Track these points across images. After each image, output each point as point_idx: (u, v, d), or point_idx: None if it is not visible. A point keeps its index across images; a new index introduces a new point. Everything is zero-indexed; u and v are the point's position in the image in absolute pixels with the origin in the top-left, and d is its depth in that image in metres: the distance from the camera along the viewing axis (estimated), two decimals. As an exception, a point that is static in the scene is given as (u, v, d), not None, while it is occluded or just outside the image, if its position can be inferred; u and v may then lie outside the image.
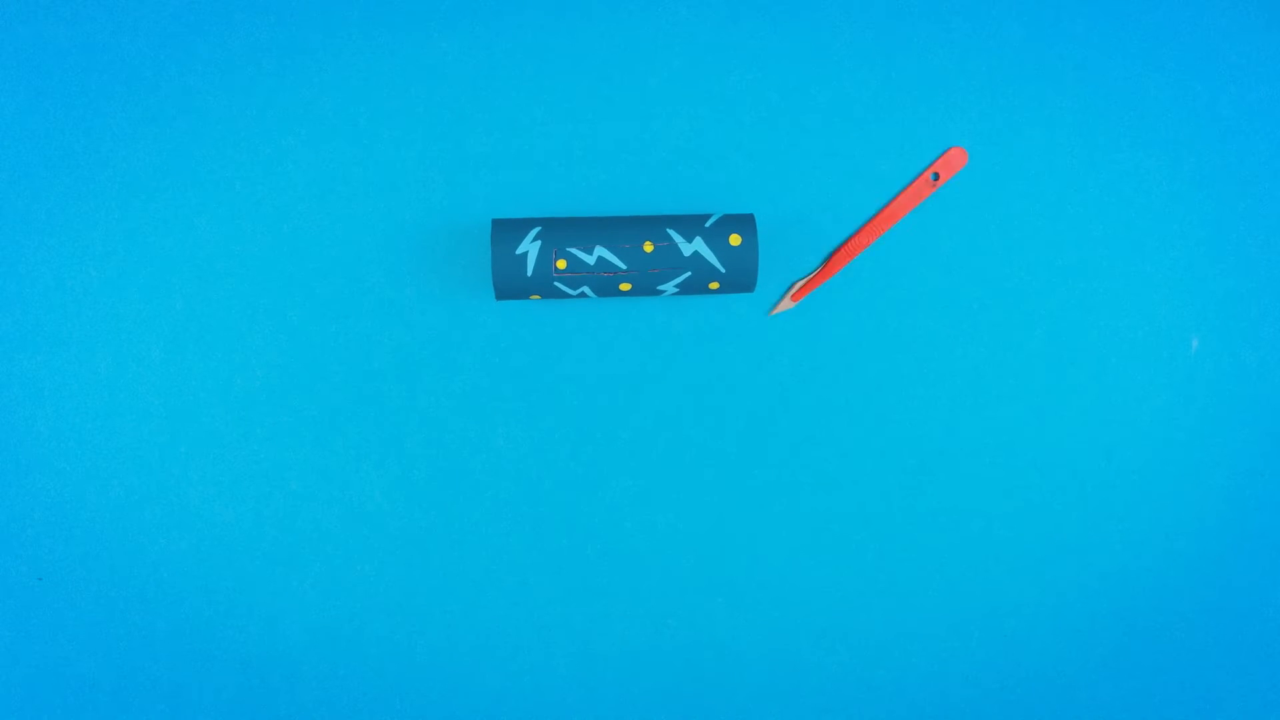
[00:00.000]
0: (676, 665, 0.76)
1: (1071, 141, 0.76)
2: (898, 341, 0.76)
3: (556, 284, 0.68)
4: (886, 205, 0.72)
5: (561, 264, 0.67)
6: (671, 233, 0.68)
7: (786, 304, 0.73)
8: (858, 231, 0.71)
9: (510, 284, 0.68)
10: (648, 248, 0.67)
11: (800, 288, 0.73)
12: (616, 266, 0.67)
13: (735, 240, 0.68)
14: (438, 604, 0.76)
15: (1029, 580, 0.77)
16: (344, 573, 0.75)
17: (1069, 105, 0.76)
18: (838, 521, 0.76)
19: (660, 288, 0.69)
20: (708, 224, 0.69)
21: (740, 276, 0.69)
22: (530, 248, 0.67)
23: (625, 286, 0.69)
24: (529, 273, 0.68)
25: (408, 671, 0.76)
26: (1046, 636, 0.77)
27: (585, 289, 0.69)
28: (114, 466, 0.74)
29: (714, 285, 0.69)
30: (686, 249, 0.68)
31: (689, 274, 0.68)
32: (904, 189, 0.69)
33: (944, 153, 0.69)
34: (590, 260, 0.67)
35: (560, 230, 0.68)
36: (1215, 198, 0.76)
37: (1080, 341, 0.76)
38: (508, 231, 0.68)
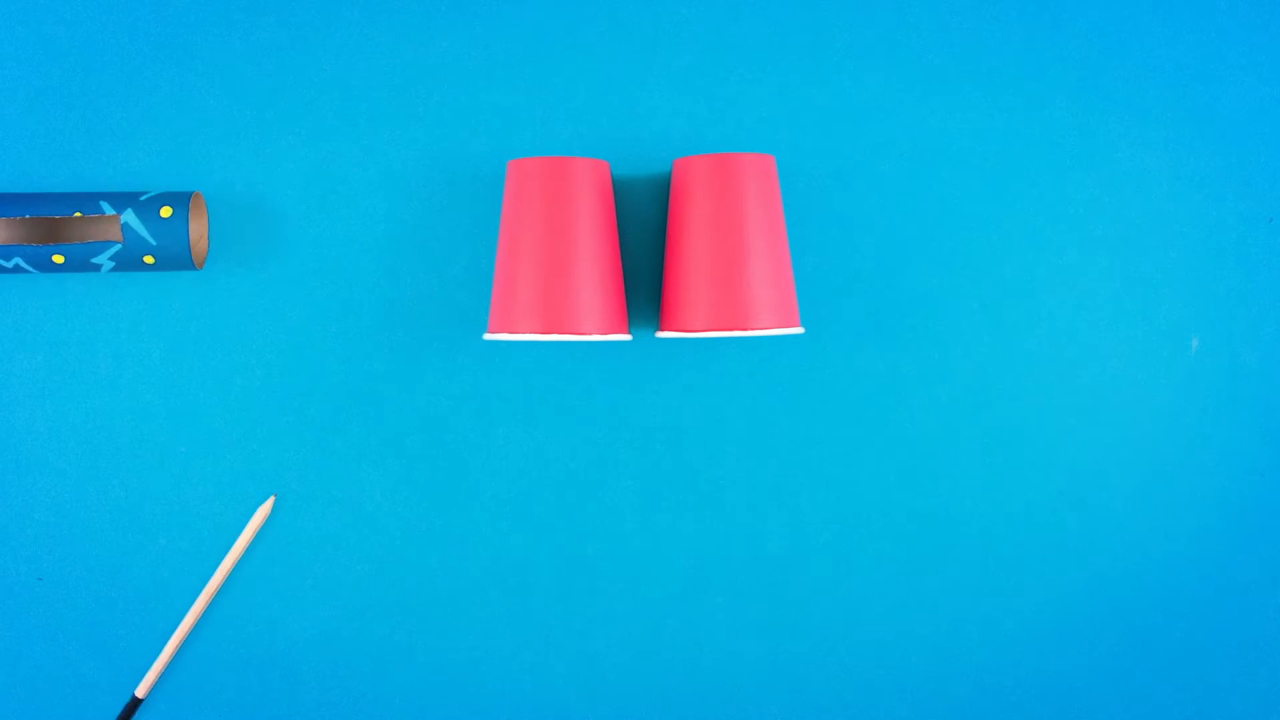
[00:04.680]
0: (677, 665, 0.76)
1: (1071, 141, 0.76)
2: (898, 342, 0.76)
3: None
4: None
5: None
6: (103, 204, 0.67)
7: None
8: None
9: None
10: (77, 217, 0.67)
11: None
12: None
13: (165, 213, 0.67)
14: (438, 604, 0.76)
15: (1029, 580, 0.77)
16: (344, 573, 0.75)
17: (1069, 104, 0.76)
18: (837, 520, 0.76)
19: (95, 260, 0.68)
20: (142, 198, 0.68)
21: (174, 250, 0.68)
22: None
23: (58, 259, 0.68)
24: None
25: (408, 671, 0.76)
26: (1046, 636, 0.77)
27: (19, 259, 0.68)
28: (114, 466, 0.74)
29: (149, 259, 0.68)
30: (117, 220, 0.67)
31: (119, 246, 0.67)
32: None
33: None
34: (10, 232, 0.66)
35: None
36: (1215, 198, 0.76)
37: (1080, 341, 0.76)
38: None
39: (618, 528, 0.76)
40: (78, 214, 0.67)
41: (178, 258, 0.69)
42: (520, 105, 0.74)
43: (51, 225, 0.67)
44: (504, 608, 0.76)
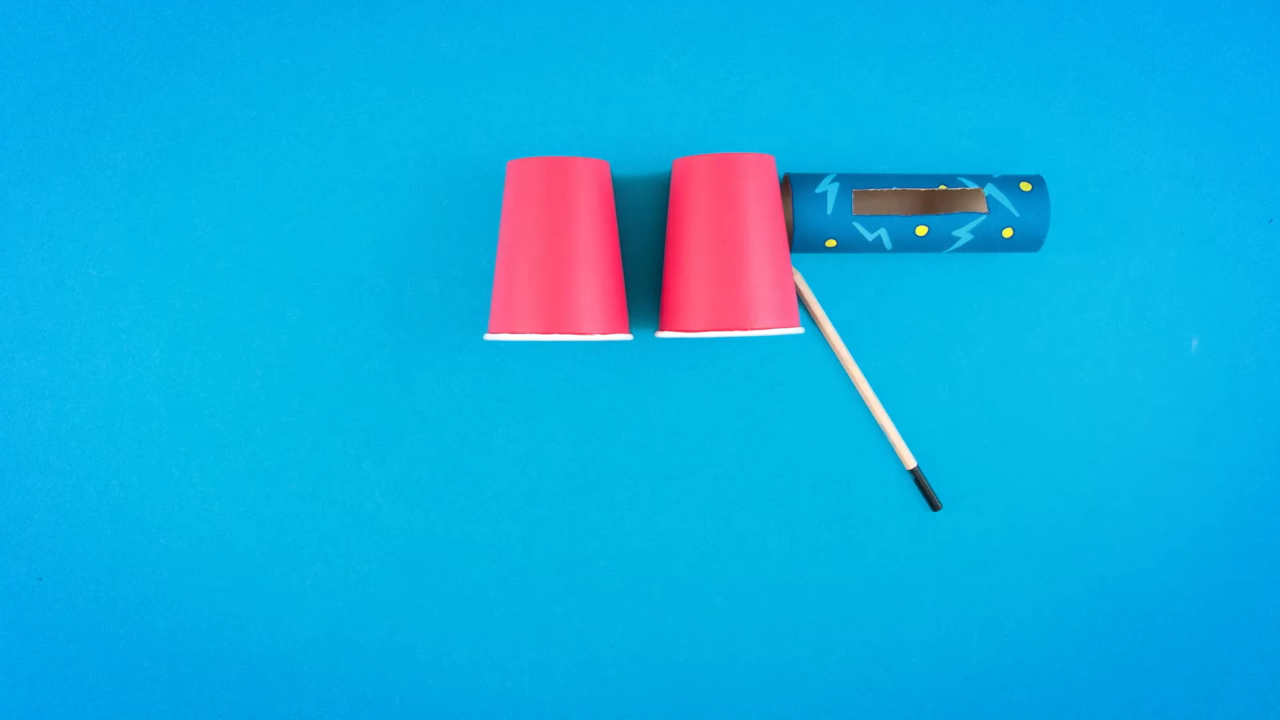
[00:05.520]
0: (677, 665, 0.76)
1: (1071, 141, 0.76)
2: (899, 343, 0.76)
3: (855, 224, 0.69)
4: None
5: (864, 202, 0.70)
6: (964, 179, 0.70)
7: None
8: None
9: (810, 225, 0.69)
10: (943, 189, 0.70)
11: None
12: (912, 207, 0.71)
13: (1025, 187, 0.70)
14: (438, 604, 0.76)
15: (1029, 580, 0.77)
16: (344, 573, 0.75)
17: (1068, 104, 0.76)
18: (837, 520, 0.76)
19: (955, 233, 0.70)
20: (996, 176, 0.71)
21: (1032, 225, 0.70)
22: (829, 188, 0.69)
23: (921, 230, 0.70)
24: (829, 211, 0.69)
25: (408, 671, 0.76)
26: (1046, 636, 0.77)
27: (882, 231, 0.70)
28: (114, 466, 0.74)
29: (1007, 233, 0.70)
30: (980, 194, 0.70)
31: (983, 218, 0.70)
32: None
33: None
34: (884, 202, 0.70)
35: (853, 178, 0.70)
36: (1215, 198, 0.76)
37: (1080, 342, 0.76)
38: (805, 180, 0.70)
39: (618, 528, 0.76)
40: (942, 186, 0.69)
41: (1034, 234, 0.70)
42: (520, 105, 0.74)
43: (923, 197, 0.71)
44: (504, 608, 0.76)
